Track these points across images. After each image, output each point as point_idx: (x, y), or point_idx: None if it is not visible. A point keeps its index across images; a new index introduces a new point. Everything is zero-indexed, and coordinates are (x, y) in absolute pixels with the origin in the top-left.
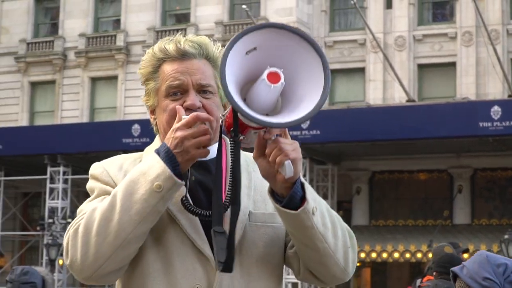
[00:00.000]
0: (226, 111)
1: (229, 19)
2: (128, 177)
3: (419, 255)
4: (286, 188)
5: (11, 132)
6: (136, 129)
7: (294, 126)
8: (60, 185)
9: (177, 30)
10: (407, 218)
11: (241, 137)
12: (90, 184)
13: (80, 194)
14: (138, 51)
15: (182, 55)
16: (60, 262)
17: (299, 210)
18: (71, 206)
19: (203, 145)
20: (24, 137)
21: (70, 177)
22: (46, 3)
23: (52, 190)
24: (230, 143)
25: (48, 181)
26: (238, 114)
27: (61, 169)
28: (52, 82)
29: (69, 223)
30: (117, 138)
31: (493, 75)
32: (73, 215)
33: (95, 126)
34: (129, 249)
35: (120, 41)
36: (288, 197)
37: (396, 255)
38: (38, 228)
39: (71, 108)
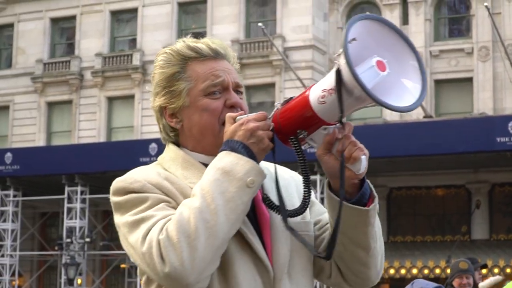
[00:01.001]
0: (271, 115)
1: (245, 37)
2: (208, 178)
3: (437, 271)
4: (352, 185)
5: (28, 153)
6: (153, 148)
7: (411, 111)
8: (78, 205)
9: None
10: (425, 234)
11: (304, 135)
12: (127, 198)
13: (98, 214)
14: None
15: (216, 54)
16: (79, 281)
17: (370, 206)
18: (89, 225)
19: (271, 138)
20: (42, 157)
21: (87, 196)
22: (62, 23)
23: (69, 209)
24: (294, 142)
25: (65, 200)
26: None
27: (79, 188)
28: (69, 102)
29: (87, 242)
30: (134, 157)
31: (510, 89)
32: (91, 234)
33: (112, 146)
34: (223, 250)
35: (136, 60)
36: (360, 194)
37: (414, 271)
38: (56, 248)
39: (88, 128)
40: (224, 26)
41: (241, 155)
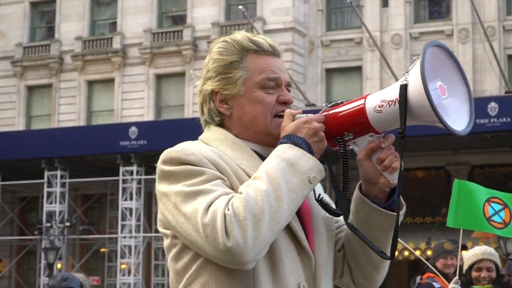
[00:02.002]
0: (319, 114)
1: (226, 20)
2: (273, 166)
3: (417, 252)
4: (383, 192)
5: (7, 137)
6: (133, 131)
7: (463, 134)
8: (57, 189)
9: (174, 32)
10: (405, 216)
11: (349, 138)
12: (182, 168)
13: (77, 198)
14: (134, 54)
15: (274, 51)
16: (59, 266)
17: (401, 212)
18: (68, 209)
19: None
20: (21, 142)
21: (67, 180)
22: (42, 6)
23: (49, 194)
24: (340, 143)
25: (45, 185)
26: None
27: (59, 173)
28: (49, 86)
29: (67, 226)
30: (114, 141)
31: (490, 71)
32: (71, 219)
33: (92, 130)
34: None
35: (116, 44)
36: (392, 200)
37: (405, 253)
38: (35, 232)
39: (68, 111)
40: (205, 9)
41: (304, 151)
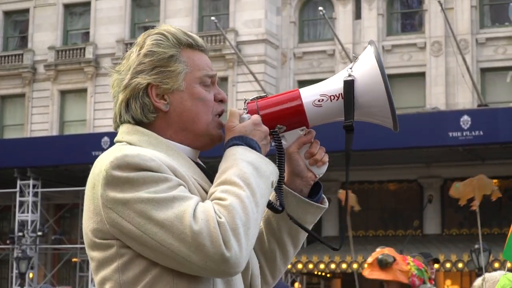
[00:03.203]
0: (244, 107)
1: (198, 31)
2: (244, 170)
3: None
4: (307, 185)
5: None
6: (105, 141)
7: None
8: (30, 198)
9: None
10: (378, 229)
11: (280, 131)
12: (141, 175)
13: (50, 207)
14: (107, 64)
15: (206, 49)
16: (31, 275)
17: (325, 205)
18: (41, 219)
19: None
20: None
21: (40, 190)
22: (15, 16)
23: (21, 203)
24: (275, 136)
25: (17, 194)
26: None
27: (31, 182)
28: (22, 95)
29: (39, 236)
30: (87, 150)
31: (463, 84)
32: (43, 228)
33: (64, 139)
34: None
35: (89, 54)
36: (320, 192)
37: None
38: (8, 241)
39: (40, 121)
40: (177, 20)
41: (261, 155)
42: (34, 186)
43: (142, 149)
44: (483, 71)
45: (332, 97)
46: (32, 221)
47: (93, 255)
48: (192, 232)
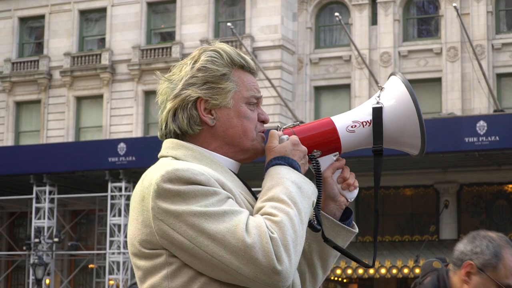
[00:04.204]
0: (281, 132)
1: (214, 37)
2: (290, 189)
3: (405, 270)
4: (340, 209)
5: None
6: (122, 147)
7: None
8: (46, 205)
9: (162, 49)
10: (394, 234)
11: (316, 155)
12: (192, 189)
13: (66, 213)
14: (123, 70)
15: (255, 71)
16: (47, 281)
17: (356, 231)
18: (57, 225)
19: None
20: (10, 157)
21: (56, 196)
22: (31, 22)
23: (38, 209)
24: (314, 162)
25: (34, 200)
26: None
27: (47, 188)
28: (37, 101)
29: (55, 242)
30: (103, 157)
31: (479, 90)
32: (59, 234)
33: (80, 145)
34: None
35: (105, 60)
36: (351, 217)
37: (383, 270)
38: (24, 248)
39: (56, 127)
40: (193, 26)
41: (302, 175)
42: (50, 192)
43: (190, 164)
44: (499, 76)
45: (365, 123)
46: (49, 227)
47: (140, 264)
48: (245, 245)
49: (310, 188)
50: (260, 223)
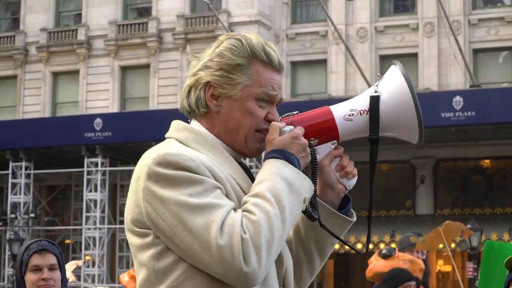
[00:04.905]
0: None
1: (191, 12)
2: (277, 186)
3: (382, 245)
4: (339, 198)
5: None
6: (98, 123)
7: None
8: (22, 180)
9: (139, 24)
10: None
11: (313, 144)
12: (180, 174)
13: (42, 189)
14: (99, 45)
15: (280, 68)
16: None
17: (354, 219)
18: (33, 201)
19: None
20: None
21: (32, 172)
22: None
23: (14, 185)
24: (312, 150)
25: (10, 176)
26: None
27: (23, 164)
28: (14, 77)
29: (32, 218)
30: (79, 132)
31: (455, 65)
32: (36, 210)
33: (57, 121)
34: None
35: (81, 36)
36: (349, 205)
37: (359, 246)
38: (0, 223)
39: (32, 103)
40: (170, 1)
41: (298, 170)
42: (26, 168)
43: (184, 148)
44: (476, 52)
45: (362, 112)
46: (25, 203)
47: (132, 240)
48: (216, 244)
49: (303, 184)
50: (235, 222)
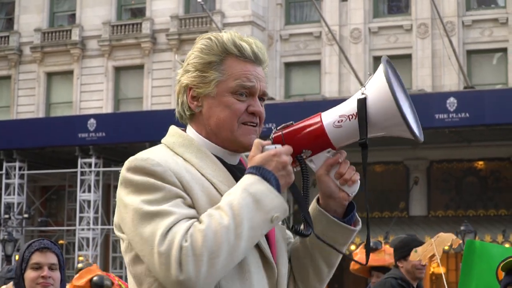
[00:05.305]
0: (271, 136)
1: (184, 13)
2: (239, 200)
3: None
4: (342, 206)
5: None
6: (92, 123)
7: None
8: (16, 181)
9: (133, 25)
10: (363, 210)
11: (307, 155)
12: (145, 180)
13: (36, 189)
14: (93, 46)
15: (255, 59)
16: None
17: (357, 227)
18: (27, 201)
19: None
20: None
21: (26, 172)
22: None
23: (8, 185)
24: (300, 161)
25: (3, 176)
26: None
27: (17, 164)
28: (8, 77)
29: (25, 218)
30: (73, 133)
31: (449, 67)
32: (29, 210)
33: (51, 121)
34: None
35: (75, 36)
36: (352, 214)
37: (352, 247)
38: None
39: (26, 103)
40: (164, 2)
41: (272, 188)
42: (20, 168)
43: (156, 153)
44: (469, 53)
45: (351, 116)
46: (18, 203)
47: (120, 243)
48: (158, 251)
49: (272, 203)
50: (179, 230)
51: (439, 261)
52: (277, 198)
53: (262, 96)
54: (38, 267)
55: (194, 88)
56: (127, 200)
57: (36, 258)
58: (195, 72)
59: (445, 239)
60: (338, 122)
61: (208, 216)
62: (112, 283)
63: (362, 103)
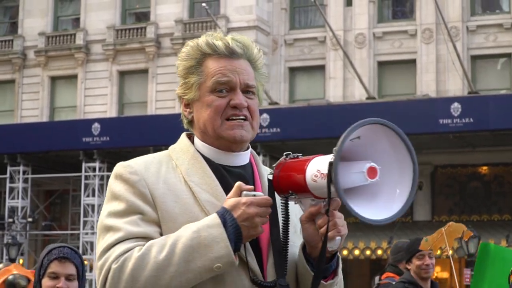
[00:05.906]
0: (276, 163)
1: (189, 17)
2: (185, 239)
3: (379, 252)
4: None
5: None
6: (96, 127)
7: (380, 224)
8: (20, 185)
9: (137, 29)
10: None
11: (294, 197)
12: (118, 188)
13: (40, 193)
14: (97, 50)
15: (230, 53)
16: (21, 261)
17: (328, 282)
18: (31, 205)
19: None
20: None
21: (30, 176)
22: (5, 2)
23: (12, 189)
24: (282, 201)
25: (7, 180)
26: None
27: (21, 168)
28: (12, 81)
29: (29, 222)
30: (77, 137)
31: (453, 72)
32: (33, 214)
33: (55, 125)
34: None
35: (79, 40)
36: (331, 263)
37: (356, 252)
38: None
39: (30, 107)
40: (168, 6)
41: (226, 237)
42: (24, 172)
43: (141, 160)
44: (474, 58)
45: (322, 175)
46: (22, 207)
47: None
48: (98, 264)
49: (219, 252)
50: (116, 250)
51: (449, 252)
52: (225, 248)
53: (247, 89)
54: (55, 276)
55: (183, 96)
56: (103, 208)
57: (54, 267)
58: (181, 81)
59: (456, 229)
60: (315, 176)
61: (149, 246)
62: (29, 281)
63: (330, 165)
